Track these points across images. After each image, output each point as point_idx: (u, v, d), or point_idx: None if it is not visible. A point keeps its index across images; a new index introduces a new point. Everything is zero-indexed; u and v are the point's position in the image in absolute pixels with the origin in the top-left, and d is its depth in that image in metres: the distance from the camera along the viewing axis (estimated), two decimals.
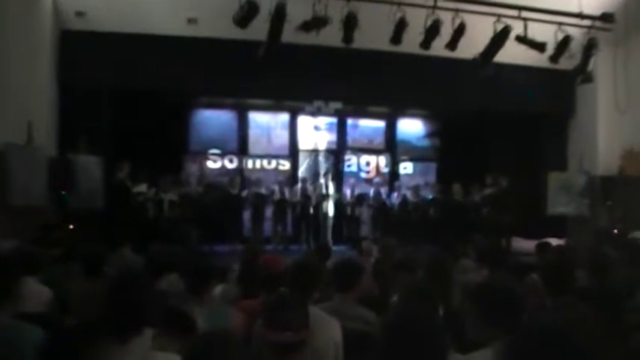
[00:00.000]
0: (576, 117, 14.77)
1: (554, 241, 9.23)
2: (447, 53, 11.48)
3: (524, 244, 11.89)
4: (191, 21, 12.13)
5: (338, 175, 16.53)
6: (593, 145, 13.96)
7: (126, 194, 12.29)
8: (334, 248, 10.46)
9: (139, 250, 7.55)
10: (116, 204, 12.07)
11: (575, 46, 11.77)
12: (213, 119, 16.32)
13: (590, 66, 12.22)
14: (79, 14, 11.92)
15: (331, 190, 15.15)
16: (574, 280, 4.77)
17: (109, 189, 12.11)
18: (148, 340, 3.25)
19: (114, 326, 3.25)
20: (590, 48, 11.90)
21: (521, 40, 11.39)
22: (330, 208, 14.97)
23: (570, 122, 14.98)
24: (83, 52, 11.92)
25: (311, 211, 14.82)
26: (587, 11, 11.64)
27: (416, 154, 17.60)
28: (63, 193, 11.33)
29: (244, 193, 14.62)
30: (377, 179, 16.88)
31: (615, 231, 12.23)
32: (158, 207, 12.92)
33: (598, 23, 11.91)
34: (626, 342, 3.76)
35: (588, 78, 12.62)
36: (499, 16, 11.13)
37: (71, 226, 11.05)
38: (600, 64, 12.99)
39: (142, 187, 12.68)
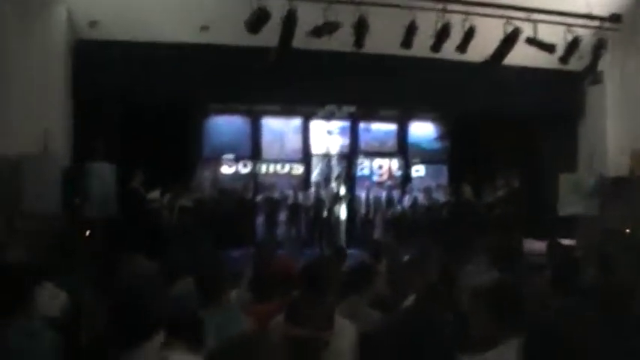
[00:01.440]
0: (586, 118, 14.80)
1: (565, 242, 9.27)
2: (458, 56, 11.55)
3: (536, 245, 11.89)
4: (203, 28, 12.25)
5: (351, 178, 16.59)
6: (603, 145, 13.97)
7: (140, 202, 12.40)
8: (348, 251, 10.51)
9: (154, 256, 7.63)
10: (130, 212, 12.19)
11: (585, 47, 11.82)
12: (227, 125, 16.42)
13: (600, 66, 12.26)
14: (93, 23, 12.06)
15: (343, 193, 15.25)
16: (581, 279, 4.84)
17: (123, 197, 12.22)
18: (158, 344, 3.34)
19: (125, 332, 3.35)
20: (599, 48, 11.96)
21: (531, 41, 11.45)
22: (343, 211, 15.05)
23: (580, 123, 15.00)
24: (97, 61, 12.04)
25: (324, 214, 14.92)
26: (595, 12, 11.69)
27: (427, 157, 17.59)
28: (77, 201, 11.46)
29: (258, 198, 14.77)
30: (389, 182, 16.93)
31: (627, 231, 12.23)
32: (172, 213, 13.01)
33: (606, 24, 11.94)
34: (630, 341, 3.81)
35: (598, 79, 12.67)
36: (508, 18, 11.20)
37: (87, 233, 11.17)
38: (609, 64, 13.03)
39: (156, 194, 12.77)
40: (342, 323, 3.90)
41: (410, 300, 4.67)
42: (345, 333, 3.87)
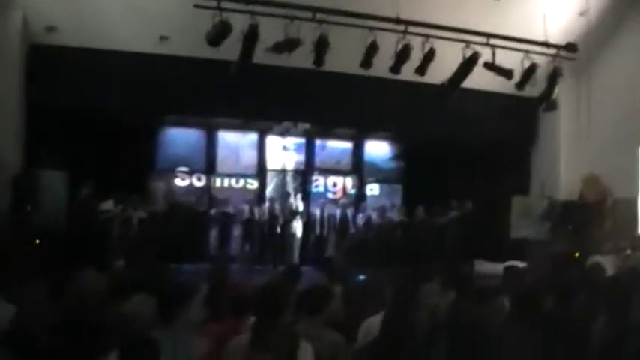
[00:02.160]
0: (539, 143, 15.07)
1: (517, 264, 9.34)
2: (416, 78, 11.61)
3: (488, 267, 11.98)
4: (163, 39, 12.14)
5: (305, 195, 16.55)
6: (555, 170, 14.26)
7: (89, 212, 12.15)
8: (302, 268, 10.44)
9: (104, 268, 7.45)
10: (79, 222, 11.94)
11: (541, 74, 12.02)
12: (182, 137, 16.23)
13: (555, 94, 12.47)
14: (50, 29, 11.86)
15: (299, 210, 15.23)
16: (541, 305, 4.86)
17: (73, 207, 11.97)
18: None
19: (74, 350, 3.23)
20: (554, 76, 12.16)
21: (489, 66, 11.58)
22: (298, 228, 15.01)
23: (534, 148, 15.25)
24: (52, 67, 11.84)
25: (278, 230, 14.83)
26: (552, 40, 11.90)
27: (382, 176, 17.68)
28: (28, 209, 11.20)
29: (212, 212, 14.62)
30: (343, 200, 16.92)
31: (576, 255, 12.40)
32: (125, 225, 12.80)
33: (562, 52, 12.16)
34: None
35: (553, 105, 12.88)
36: (468, 42, 11.31)
37: (37, 241, 10.90)
38: (564, 91, 13.28)
39: (109, 205, 12.54)
40: (302, 345, 3.87)
41: (370, 320, 4.64)
42: (302, 354, 3.83)
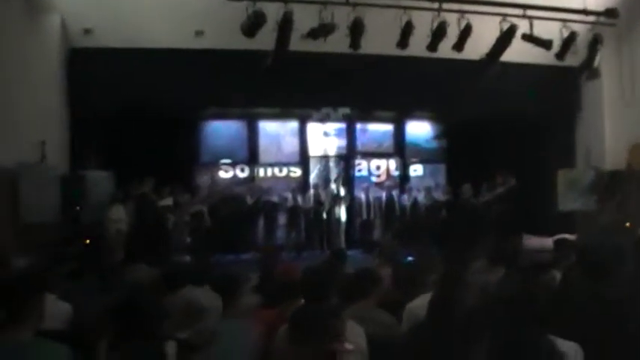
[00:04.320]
0: (583, 113, 14.79)
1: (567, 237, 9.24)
2: (454, 55, 11.51)
3: (535, 242, 11.88)
4: (198, 33, 12.21)
5: (349, 180, 16.57)
6: (601, 140, 13.97)
7: (150, 208, 12.35)
8: (348, 253, 10.47)
9: (162, 263, 7.56)
10: (141, 217, 12.16)
11: (581, 43, 11.80)
12: (223, 130, 16.39)
13: (596, 62, 12.24)
14: (87, 31, 12.03)
15: (343, 194, 15.25)
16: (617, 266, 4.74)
17: (137, 204, 12.22)
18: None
19: (127, 340, 3.32)
20: (595, 44, 11.92)
21: (528, 38, 11.41)
22: (342, 213, 15.05)
23: (577, 118, 14.99)
24: (92, 69, 11.97)
25: (324, 216, 14.89)
26: (590, 7, 11.67)
27: (425, 157, 17.61)
28: (77, 208, 11.41)
29: (257, 202, 14.74)
30: (388, 182, 16.92)
31: (627, 225, 12.20)
32: (181, 219, 13.08)
33: (602, 19, 11.91)
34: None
35: (595, 74, 12.65)
36: (504, 15, 11.16)
37: (87, 241, 11.12)
38: (605, 59, 13.00)
39: (168, 201, 12.76)
40: (351, 328, 3.85)
41: (419, 300, 4.64)
42: (354, 338, 3.79)
